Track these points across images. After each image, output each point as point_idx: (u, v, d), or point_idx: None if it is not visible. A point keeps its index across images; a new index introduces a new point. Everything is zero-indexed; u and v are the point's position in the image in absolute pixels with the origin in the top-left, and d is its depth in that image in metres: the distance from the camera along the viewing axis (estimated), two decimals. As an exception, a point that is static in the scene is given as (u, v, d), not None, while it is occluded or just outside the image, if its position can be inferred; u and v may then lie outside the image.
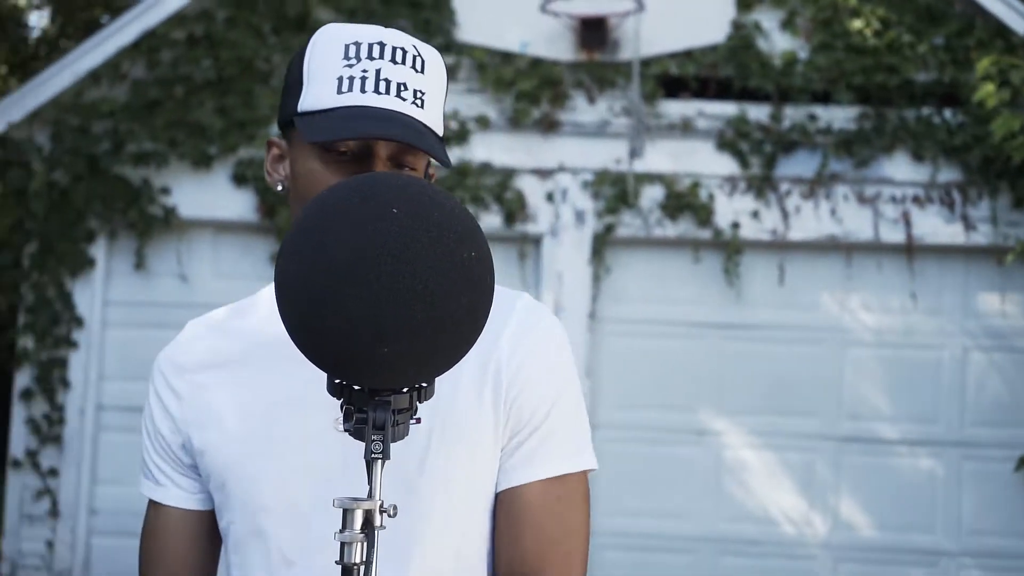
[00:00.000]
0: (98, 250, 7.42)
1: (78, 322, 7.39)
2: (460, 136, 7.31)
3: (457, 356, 1.27)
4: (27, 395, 7.37)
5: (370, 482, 1.23)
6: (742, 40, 7.29)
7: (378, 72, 1.53)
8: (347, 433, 1.25)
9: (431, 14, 7.32)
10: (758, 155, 7.30)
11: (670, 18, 7.20)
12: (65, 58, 7.33)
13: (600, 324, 7.39)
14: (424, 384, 1.30)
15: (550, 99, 7.30)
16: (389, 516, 1.24)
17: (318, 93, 1.55)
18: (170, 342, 1.74)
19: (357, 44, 1.56)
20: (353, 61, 1.54)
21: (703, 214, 7.26)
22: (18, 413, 7.43)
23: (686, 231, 7.31)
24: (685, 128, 7.32)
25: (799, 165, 7.33)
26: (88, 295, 7.43)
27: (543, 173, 7.35)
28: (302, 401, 1.59)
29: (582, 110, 7.37)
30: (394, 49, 1.55)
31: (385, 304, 1.16)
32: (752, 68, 7.29)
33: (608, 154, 7.34)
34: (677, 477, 7.37)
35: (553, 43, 7.26)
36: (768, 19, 7.37)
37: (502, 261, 7.41)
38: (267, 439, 1.61)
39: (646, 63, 7.26)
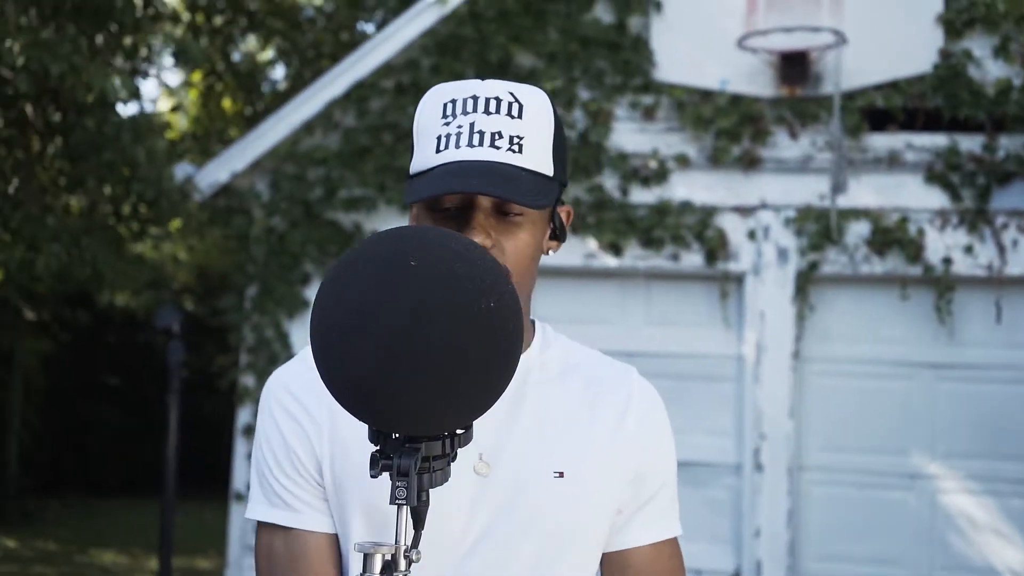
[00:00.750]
0: (313, 292, 7.74)
1: (295, 361, 7.70)
2: (660, 175, 7.30)
3: (486, 403, 1.30)
4: (248, 432, 7.73)
5: (396, 527, 1.27)
6: (951, 69, 7.03)
7: (472, 125, 1.58)
8: (375, 479, 1.29)
9: (630, 55, 7.36)
10: (971, 187, 7.01)
11: (874, 49, 7.02)
12: (282, 110, 7.72)
13: (805, 364, 7.23)
14: (459, 431, 1.33)
15: (751, 136, 7.22)
16: (413, 561, 1.27)
17: (422, 155, 1.61)
18: (289, 363, 1.76)
19: (453, 101, 1.61)
20: (450, 119, 1.60)
21: (912, 250, 7.01)
22: (240, 449, 7.81)
23: (894, 267, 7.08)
24: (892, 161, 7.11)
25: (1016, 197, 7.00)
26: (304, 335, 7.74)
27: (744, 211, 7.27)
28: None
29: (784, 146, 7.25)
30: (487, 100, 1.60)
31: (401, 355, 1.20)
32: (963, 97, 7.02)
33: (811, 190, 7.19)
34: (888, 522, 7.11)
35: (753, 79, 7.19)
36: (979, 46, 7.08)
37: (703, 300, 7.35)
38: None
39: (850, 96, 7.09)
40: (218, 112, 13.33)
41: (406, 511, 1.28)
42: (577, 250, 7.40)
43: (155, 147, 7.52)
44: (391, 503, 1.27)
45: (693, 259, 7.25)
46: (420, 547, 1.57)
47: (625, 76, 7.35)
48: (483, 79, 1.69)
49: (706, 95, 7.28)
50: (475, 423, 1.61)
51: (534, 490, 1.64)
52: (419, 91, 7.49)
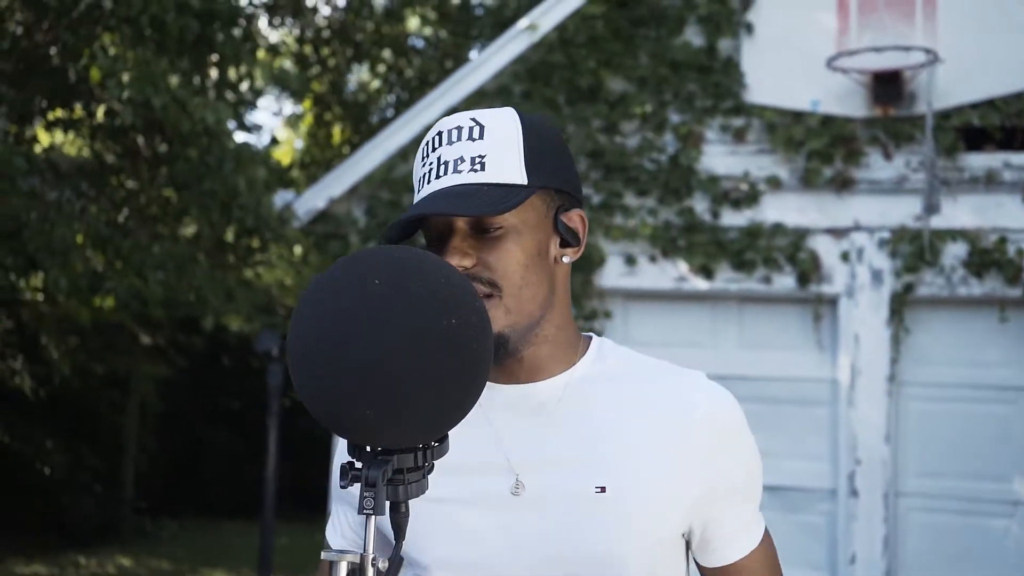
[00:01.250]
0: (408, 316, 7.85)
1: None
2: (751, 198, 7.26)
3: (452, 419, 1.34)
4: (345, 453, 7.87)
5: (364, 536, 1.32)
6: (1050, 86, 6.88)
7: (439, 159, 1.63)
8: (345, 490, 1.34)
9: (720, 77, 7.35)
10: (1072, 207, 6.84)
11: (969, 67, 6.90)
12: (377, 137, 7.87)
13: (901, 388, 7.10)
14: (434, 444, 1.38)
15: (843, 157, 7.14)
16: (380, 570, 1.31)
17: (413, 200, 1.69)
18: None
19: (426, 144, 1.68)
20: (425, 160, 1.66)
21: (1011, 271, 6.85)
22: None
23: (993, 289, 6.92)
24: (989, 181, 6.96)
25: (1120, 216, 6.81)
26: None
27: (837, 232, 7.18)
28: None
29: (878, 167, 7.16)
30: (449, 132, 1.65)
31: (362, 374, 1.25)
32: (1063, 115, 6.86)
33: (906, 211, 7.08)
34: (988, 550, 6.93)
35: (845, 100, 7.12)
36: (1081, 62, 6.92)
37: (796, 323, 7.27)
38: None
39: (945, 115, 6.97)
40: (326, 141, 13.61)
41: (373, 521, 1.32)
42: (668, 273, 7.39)
43: (255, 176, 7.71)
44: (359, 513, 1.31)
45: (785, 282, 7.18)
46: (458, 569, 1.62)
47: (715, 99, 7.34)
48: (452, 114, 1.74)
49: (797, 116, 7.22)
50: (513, 442, 1.65)
51: (572, 507, 1.63)
52: (511, 117, 7.58)
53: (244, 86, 8.20)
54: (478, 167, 1.61)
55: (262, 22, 10.31)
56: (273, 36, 11.44)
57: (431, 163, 1.64)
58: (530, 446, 1.67)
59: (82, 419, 13.59)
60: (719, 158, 7.41)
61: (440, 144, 1.64)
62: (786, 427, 7.23)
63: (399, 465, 1.35)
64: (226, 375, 15.95)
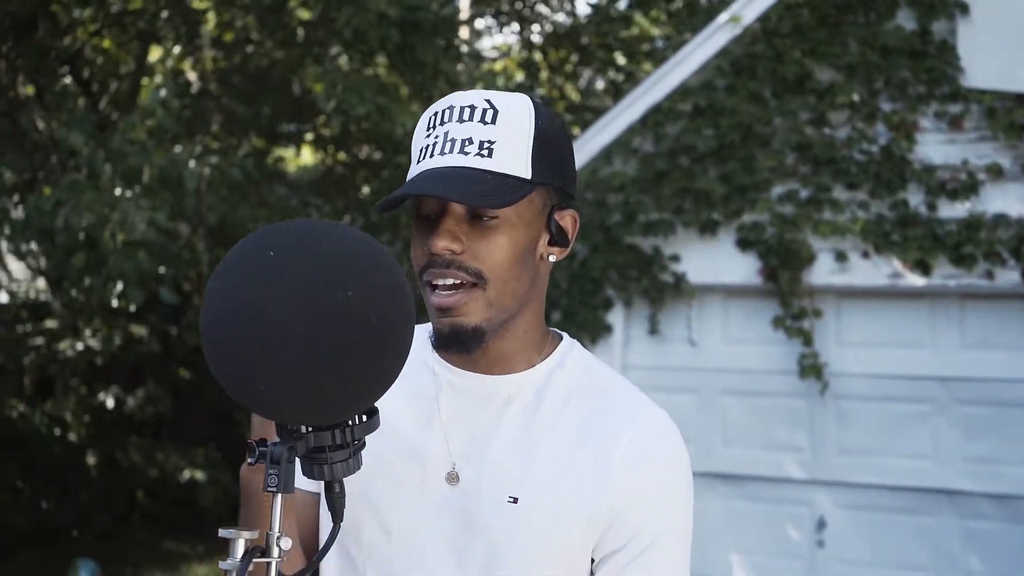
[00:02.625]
0: (616, 317, 7.80)
1: (599, 385, 7.78)
2: (969, 188, 6.85)
3: (358, 393, 1.30)
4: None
5: (271, 514, 1.30)
6: None
7: (446, 134, 1.61)
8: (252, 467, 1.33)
9: (934, 62, 6.97)
10: None
11: None
12: (581, 138, 7.85)
13: None
14: (354, 422, 1.35)
15: (1072, 141, 6.65)
16: (282, 549, 1.29)
17: (411, 169, 1.66)
18: None
19: (436, 114, 1.65)
20: (431, 131, 1.64)
21: None
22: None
23: None
24: None
25: None
26: (607, 359, 7.79)
27: (1066, 222, 6.69)
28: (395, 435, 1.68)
29: (1112, 150, 6.63)
30: (462, 109, 1.62)
31: (251, 344, 1.24)
32: None
33: None
34: None
35: (1073, 80, 6.62)
36: None
37: (1018, 320, 6.81)
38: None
39: None
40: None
41: (280, 499, 1.30)
42: (882, 270, 7.05)
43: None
44: (264, 490, 1.30)
45: (1009, 276, 6.73)
46: (397, 546, 1.59)
47: (930, 85, 6.96)
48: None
49: (1020, 99, 6.76)
50: (457, 429, 1.62)
51: (487, 512, 1.61)
52: (715, 113, 7.42)
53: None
54: (485, 152, 1.58)
55: (479, 27, 10.50)
56: (487, 43, 11.62)
57: (437, 136, 1.62)
58: (471, 439, 1.65)
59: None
60: (935, 147, 7.02)
61: (450, 119, 1.62)
62: (1013, 432, 6.78)
63: (317, 443, 1.33)
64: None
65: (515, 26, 12.32)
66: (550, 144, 1.64)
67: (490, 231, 1.60)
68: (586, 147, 7.75)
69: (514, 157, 1.59)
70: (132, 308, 8.04)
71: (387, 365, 1.31)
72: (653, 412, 1.68)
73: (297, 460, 1.35)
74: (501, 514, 1.60)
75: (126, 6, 9.38)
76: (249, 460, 1.33)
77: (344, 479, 1.39)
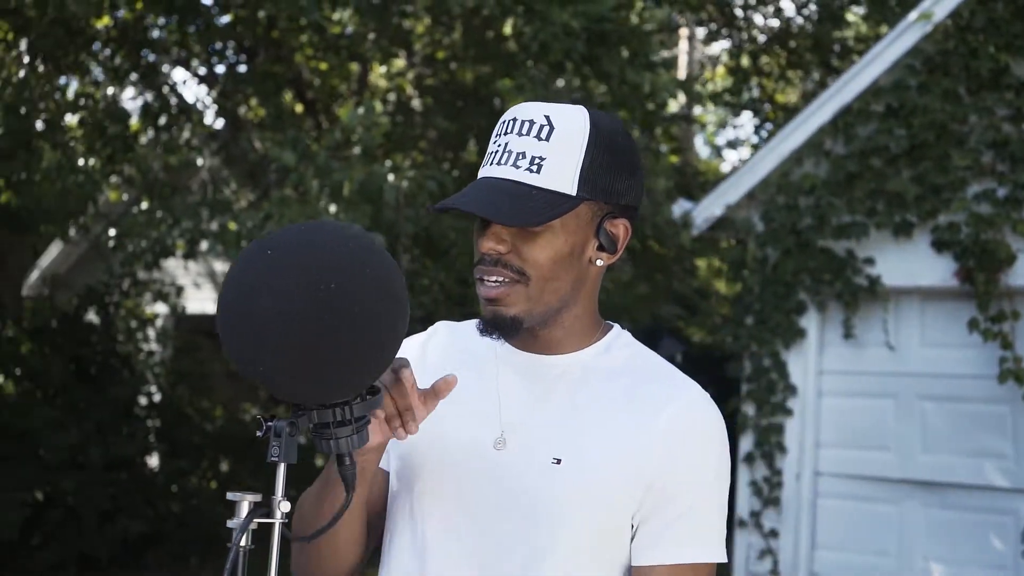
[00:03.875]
0: (809, 321, 7.74)
1: (792, 390, 7.74)
2: None
3: (350, 375, 1.48)
4: (749, 459, 7.87)
5: (275, 481, 1.49)
6: None
7: (505, 145, 1.78)
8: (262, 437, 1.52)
9: None
10: None
11: None
12: (771, 141, 7.83)
13: None
14: (351, 401, 1.52)
15: None
16: (284, 512, 1.48)
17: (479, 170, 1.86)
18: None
19: (503, 123, 1.82)
20: (497, 138, 1.81)
21: None
22: (742, 476, 7.96)
23: None
24: None
25: None
26: (801, 365, 7.76)
27: None
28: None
29: None
30: (522, 123, 1.78)
31: (251, 333, 1.43)
32: None
33: None
34: None
35: None
36: None
37: None
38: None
39: None
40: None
41: (282, 467, 1.49)
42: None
43: (655, 186, 7.94)
44: (267, 461, 1.49)
45: None
46: (448, 506, 1.75)
47: None
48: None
49: None
50: (509, 401, 1.78)
51: (530, 474, 1.75)
52: (907, 112, 7.28)
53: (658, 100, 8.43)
54: (535, 168, 1.73)
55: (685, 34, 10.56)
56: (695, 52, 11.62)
57: (499, 145, 1.78)
58: (521, 409, 1.80)
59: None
60: None
61: (512, 131, 1.77)
62: None
63: (319, 420, 1.51)
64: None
65: (720, 31, 12.30)
66: (603, 159, 1.76)
67: (535, 236, 1.75)
68: (776, 150, 7.73)
69: (562, 174, 1.73)
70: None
71: (372, 351, 1.48)
72: (696, 389, 1.81)
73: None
74: (544, 475, 1.74)
75: (342, 30, 9.88)
76: (258, 433, 1.52)
77: (352, 451, 1.56)
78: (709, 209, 8.03)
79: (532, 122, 1.76)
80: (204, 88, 10.96)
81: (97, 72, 9.50)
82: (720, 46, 12.92)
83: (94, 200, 8.66)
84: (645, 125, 8.66)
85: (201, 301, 12.86)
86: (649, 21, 9.26)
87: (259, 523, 1.48)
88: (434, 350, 1.95)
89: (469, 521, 1.79)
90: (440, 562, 1.79)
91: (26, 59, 8.94)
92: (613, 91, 7.81)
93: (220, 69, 10.52)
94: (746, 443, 7.90)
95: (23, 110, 8.18)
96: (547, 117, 1.76)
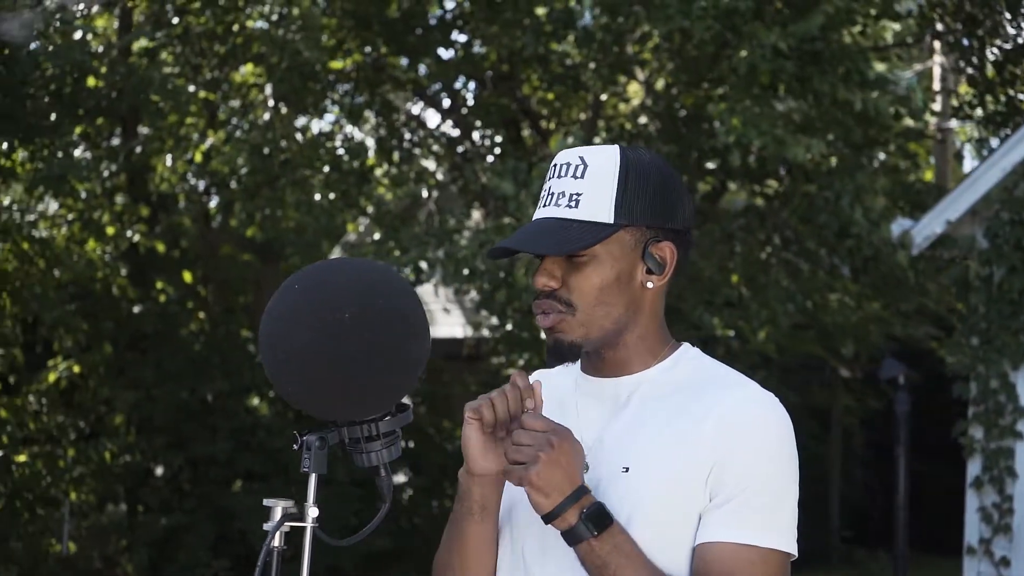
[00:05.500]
0: (1039, 341, 7.45)
1: (1022, 412, 7.46)
2: None
3: (371, 395, 1.67)
4: (977, 484, 7.62)
5: (307, 488, 1.70)
6: None
7: (549, 188, 1.95)
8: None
9: None
10: None
11: None
12: (992, 156, 7.59)
13: None
14: (377, 417, 1.72)
15: None
16: (314, 518, 1.68)
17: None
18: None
19: (550, 167, 2.00)
20: (545, 183, 2.00)
21: None
22: (970, 501, 7.71)
23: None
24: None
25: None
26: (1030, 385, 7.47)
27: None
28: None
29: None
30: (562, 166, 1.95)
31: (281, 359, 1.66)
32: None
33: None
34: None
35: None
36: None
37: None
38: None
39: None
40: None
41: (313, 477, 1.70)
42: None
43: (873, 206, 7.83)
44: (301, 470, 1.70)
45: None
46: (537, 532, 1.91)
47: None
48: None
49: None
50: (587, 425, 1.94)
51: (606, 484, 1.88)
52: None
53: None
54: (573, 204, 1.89)
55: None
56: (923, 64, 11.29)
57: (547, 189, 1.96)
58: (596, 430, 1.94)
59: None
60: None
61: (554, 175, 1.95)
62: None
63: (350, 435, 1.72)
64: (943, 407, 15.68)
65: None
66: (638, 188, 1.90)
67: (581, 267, 1.90)
68: (999, 164, 7.49)
69: (599, 205, 1.88)
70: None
71: (387, 374, 1.67)
72: (751, 388, 1.89)
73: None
74: (616, 483, 1.86)
75: (565, 61, 10.15)
76: (294, 447, 1.73)
77: (384, 463, 1.75)
78: (930, 227, 7.84)
79: (569, 164, 1.92)
80: (435, 119, 11.45)
81: (334, 110, 10.12)
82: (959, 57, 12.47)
83: (333, 232, 9.22)
84: (866, 144, 8.54)
85: (451, 326, 13.37)
86: (868, 38, 9.10)
87: (291, 526, 1.68)
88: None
89: (557, 538, 1.93)
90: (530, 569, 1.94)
91: (270, 102, 9.61)
92: (825, 110, 7.75)
93: (446, 103, 10.97)
94: (974, 468, 7.65)
95: (266, 150, 8.79)
96: (581, 158, 1.91)
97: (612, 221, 1.88)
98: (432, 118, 11.65)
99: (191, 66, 10.22)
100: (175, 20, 9.86)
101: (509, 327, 8.68)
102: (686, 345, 2.00)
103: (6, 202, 10.19)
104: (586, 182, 1.89)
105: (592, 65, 9.56)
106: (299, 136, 9.44)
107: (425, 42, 9.93)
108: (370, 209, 9.86)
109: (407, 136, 10.33)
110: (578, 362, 2.00)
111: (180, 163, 10.32)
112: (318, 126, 10.64)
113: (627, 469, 1.86)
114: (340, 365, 1.63)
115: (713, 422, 1.84)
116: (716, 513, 1.82)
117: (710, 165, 9.42)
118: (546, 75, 10.39)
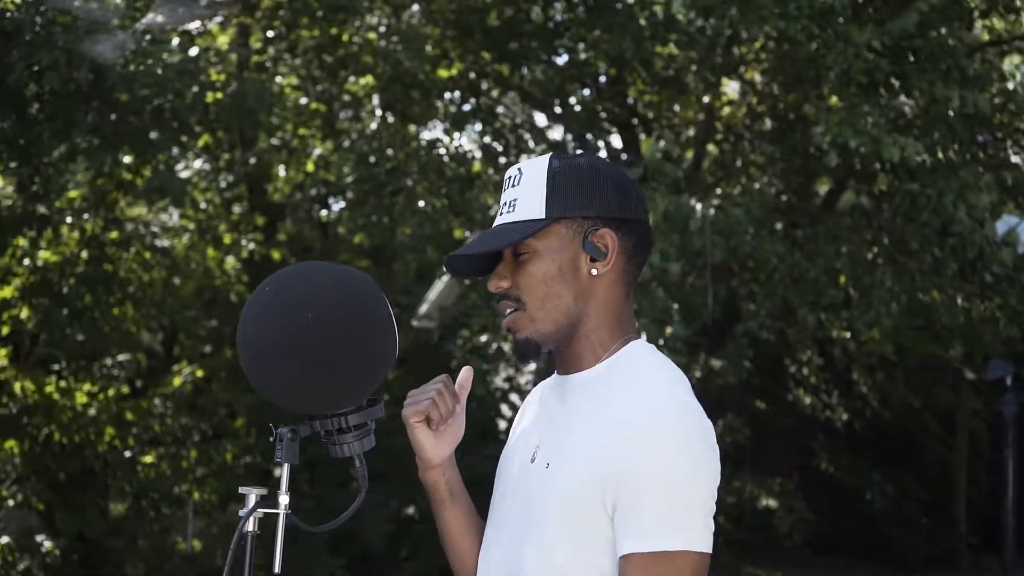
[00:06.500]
0: None
1: None
2: None
3: (335, 391, 1.80)
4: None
5: (281, 478, 1.83)
6: None
7: (501, 200, 2.12)
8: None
9: None
10: None
11: None
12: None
13: None
14: (344, 412, 1.83)
15: None
16: (286, 506, 1.80)
17: None
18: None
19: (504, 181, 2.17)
20: (500, 194, 2.15)
21: None
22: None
23: None
24: None
25: None
26: None
27: None
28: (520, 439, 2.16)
29: None
30: (507, 178, 2.12)
31: (252, 356, 1.79)
32: None
33: None
34: None
35: None
36: None
37: None
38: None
39: None
40: None
41: (286, 468, 1.82)
42: None
43: (977, 203, 7.67)
44: (274, 461, 1.82)
45: None
46: (498, 511, 2.04)
47: None
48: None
49: None
50: (544, 422, 2.05)
51: (535, 479, 2.00)
52: None
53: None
54: (511, 209, 2.05)
55: None
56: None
57: (499, 201, 2.13)
58: (549, 425, 2.06)
59: (906, 452, 13.92)
60: None
61: (504, 188, 2.12)
62: None
63: (321, 428, 1.84)
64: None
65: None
66: (567, 184, 2.02)
67: (523, 265, 2.03)
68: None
69: (531, 204, 2.02)
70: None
71: (350, 371, 1.78)
72: (654, 391, 1.94)
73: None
74: (540, 479, 1.98)
75: (668, 64, 10.17)
76: (271, 439, 1.85)
77: (357, 454, 1.87)
78: (1035, 225, 7.67)
79: (511, 176, 2.08)
80: (541, 122, 11.56)
81: (439, 119, 10.30)
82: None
83: (438, 239, 9.38)
84: (972, 142, 8.37)
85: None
86: (970, 34, 8.90)
87: (264, 512, 1.81)
88: (529, 404, 2.24)
89: (504, 522, 2.05)
90: (484, 555, 2.09)
91: (378, 112, 9.85)
92: (925, 108, 7.63)
93: (556, 109, 11.07)
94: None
95: (372, 159, 9.01)
96: (519, 168, 2.07)
97: (544, 215, 2.00)
98: (541, 122, 11.77)
99: (310, 78, 10.53)
100: (287, 33, 10.17)
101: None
102: (635, 342, 2.06)
103: (134, 214, 10.65)
104: (521, 188, 2.04)
105: (693, 68, 9.57)
106: (408, 144, 9.62)
107: (526, 50, 10.05)
108: (477, 216, 10.02)
109: (513, 142, 10.46)
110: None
111: (293, 172, 10.64)
112: (427, 134, 10.84)
113: (548, 465, 1.97)
114: (306, 363, 1.76)
115: (613, 425, 1.91)
116: (622, 524, 1.88)
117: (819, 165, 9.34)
118: (650, 78, 10.42)
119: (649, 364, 2.02)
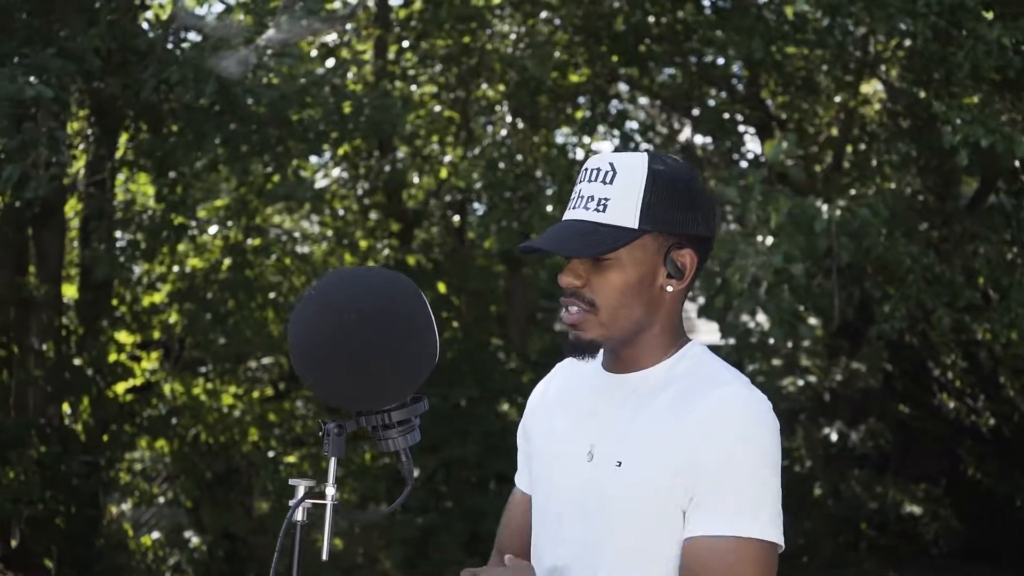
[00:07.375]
0: None
1: None
2: None
3: (376, 389, 1.89)
4: None
5: (329, 471, 1.94)
6: None
7: (580, 191, 2.12)
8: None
9: None
10: None
11: None
12: None
13: None
14: (390, 408, 1.93)
15: None
16: (334, 499, 1.91)
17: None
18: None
19: (581, 171, 2.16)
20: (576, 185, 2.16)
21: None
22: None
23: None
24: None
25: None
26: None
27: None
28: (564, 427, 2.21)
29: None
30: (592, 171, 2.10)
31: (302, 358, 1.90)
32: None
33: None
34: None
35: None
36: None
37: None
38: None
39: None
40: None
41: (333, 462, 1.93)
42: None
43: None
44: (323, 453, 1.94)
45: None
46: (548, 506, 2.10)
47: None
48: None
49: None
50: (597, 417, 2.13)
51: (602, 476, 2.06)
52: None
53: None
54: (601, 208, 2.04)
55: None
56: None
57: (577, 192, 2.12)
58: (606, 422, 2.11)
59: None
60: None
61: (584, 179, 2.11)
62: None
63: (366, 424, 1.94)
64: None
65: None
66: (663, 196, 2.03)
67: (604, 269, 2.05)
68: None
69: (625, 211, 2.02)
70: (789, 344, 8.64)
71: (391, 369, 1.88)
72: (733, 387, 2.01)
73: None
74: (610, 476, 2.04)
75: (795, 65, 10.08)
76: (320, 433, 1.96)
77: (402, 449, 1.96)
78: None
79: (599, 169, 2.06)
80: (671, 124, 11.54)
81: (568, 125, 10.39)
82: None
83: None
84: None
85: (709, 333, 13.37)
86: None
87: (313, 503, 1.92)
88: (554, 388, 2.29)
89: (558, 519, 2.12)
90: (543, 554, 2.15)
91: (508, 118, 9.97)
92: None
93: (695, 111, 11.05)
94: None
95: (502, 165, 9.13)
96: (611, 164, 2.05)
97: (637, 227, 2.01)
98: (674, 125, 11.76)
99: (446, 86, 10.71)
100: (422, 44, 10.38)
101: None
102: (693, 343, 2.11)
103: (275, 221, 11.00)
104: (614, 188, 2.03)
105: (824, 67, 9.45)
106: (539, 149, 9.72)
107: (654, 54, 10.05)
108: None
109: (644, 146, 10.47)
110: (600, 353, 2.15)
111: (426, 179, 10.84)
112: (560, 139, 10.92)
113: (620, 464, 2.02)
114: (348, 362, 1.86)
115: (691, 423, 1.96)
116: (695, 511, 1.95)
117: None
118: (782, 79, 10.32)
119: (714, 364, 2.08)
